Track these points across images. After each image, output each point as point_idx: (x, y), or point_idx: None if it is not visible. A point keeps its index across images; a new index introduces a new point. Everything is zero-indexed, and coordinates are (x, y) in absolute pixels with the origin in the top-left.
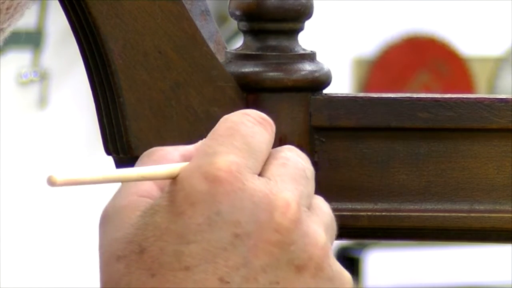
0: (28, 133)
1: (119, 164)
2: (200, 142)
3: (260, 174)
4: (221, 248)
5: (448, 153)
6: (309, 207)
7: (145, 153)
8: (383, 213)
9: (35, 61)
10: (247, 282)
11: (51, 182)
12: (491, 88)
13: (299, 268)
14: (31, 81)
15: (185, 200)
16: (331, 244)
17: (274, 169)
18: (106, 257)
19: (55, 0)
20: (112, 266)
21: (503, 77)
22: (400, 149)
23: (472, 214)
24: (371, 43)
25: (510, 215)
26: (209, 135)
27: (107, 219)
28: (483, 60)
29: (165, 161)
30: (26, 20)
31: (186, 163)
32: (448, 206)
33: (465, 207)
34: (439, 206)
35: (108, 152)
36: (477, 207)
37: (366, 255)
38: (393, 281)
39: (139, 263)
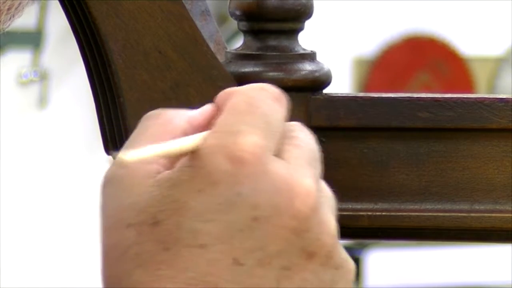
0: (28, 133)
1: None
2: (204, 108)
3: (275, 154)
4: (238, 229)
5: (448, 153)
6: (320, 190)
7: (149, 114)
8: (383, 213)
9: (35, 61)
10: (261, 266)
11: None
12: (491, 88)
13: (311, 255)
14: (31, 81)
15: (206, 178)
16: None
17: (290, 149)
18: (113, 222)
19: (55, 0)
20: (120, 232)
21: (503, 77)
22: (400, 149)
23: (472, 214)
24: (371, 43)
25: (510, 215)
26: (227, 109)
27: (113, 183)
28: (483, 60)
29: (171, 125)
30: (26, 20)
31: (203, 133)
32: (448, 206)
33: (465, 207)
34: (439, 206)
35: (108, 152)
36: (477, 207)
37: (366, 255)
38: (393, 281)
39: (152, 235)
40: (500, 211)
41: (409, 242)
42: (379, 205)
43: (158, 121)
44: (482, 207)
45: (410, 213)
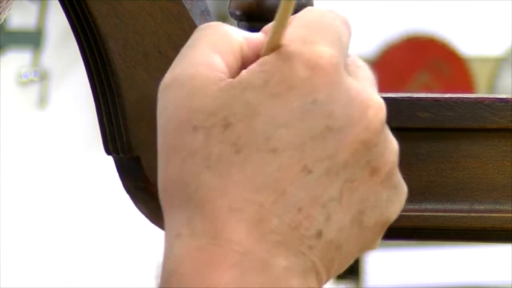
0: (28, 133)
1: (120, 164)
2: (256, 33)
3: None
4: (311, 137)
5: (448, 153)
6: None
7: (206, 25)
8: None
9: (35, 61)
10: (328, 175)
11: None
12: (491, 88)
13: (373, 171)
14: (31, 81)
15: (282, 82)
16: None
17: (356, 70)
18: (176, 125)
19: (55, 0)
20: (186, 135)
21: (503, 77)
22: (400, 149)
23: (472, 214)
24: (371, 43)
25: (510, 215)
26: (297, 22)
27: (175, 87)
28: (483, 60)
29: (231, 37)
30: (26, 20)
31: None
32: (448, 206)
33: (465, 207)
34: (439, 206)
35: (108, 152)
36: (477, 207)
37: (366, 255)
38: (393, 281)
39: (223, 137)
40: (500, 211)
41: (409, 242)
42: None
43: (217, 31)
44: (482, 207)
45: (410, 213)
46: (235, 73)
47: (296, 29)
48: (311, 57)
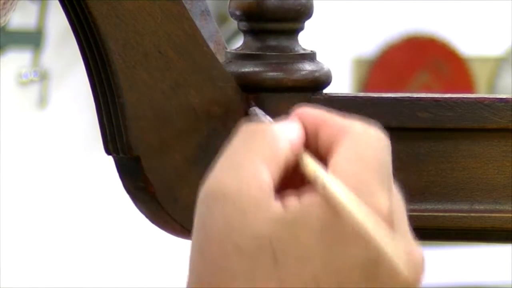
0: (28, 133)
1: (120, 164)
2: (299, 131)
3: None
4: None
5: (448, 153)
6: None
7: (253, 129)
8: None
9: (35, 61)
10: None
11: None
12: (491, 88)
13: None
14: (31, 81)
15: (340, 234)
16: None
17: (394, 209)
18: (222, 243)
19: (55, 0)
20: (231, 256)
21: (503, 77)
22: (400, 149)
23: (472, 214)
24: (371, 43)
25: (510, 215)
26: (348, 152)
27: (223, 202)
28: (483, 60)
29: (277, 149)
30: (26, 20)
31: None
32: (448, 206)
33: (465, 207)
34: (439, 206)
35: (108, 152)
36: (477, 207)
37: None
38: None
39: (269, 271)
40: (500, 211)
41: None
42: None
43: (265, 138)
44: (482, 207)
45: (410, 213)
46: (277, 183)
47: (349, 164)
48: (369, 207)
